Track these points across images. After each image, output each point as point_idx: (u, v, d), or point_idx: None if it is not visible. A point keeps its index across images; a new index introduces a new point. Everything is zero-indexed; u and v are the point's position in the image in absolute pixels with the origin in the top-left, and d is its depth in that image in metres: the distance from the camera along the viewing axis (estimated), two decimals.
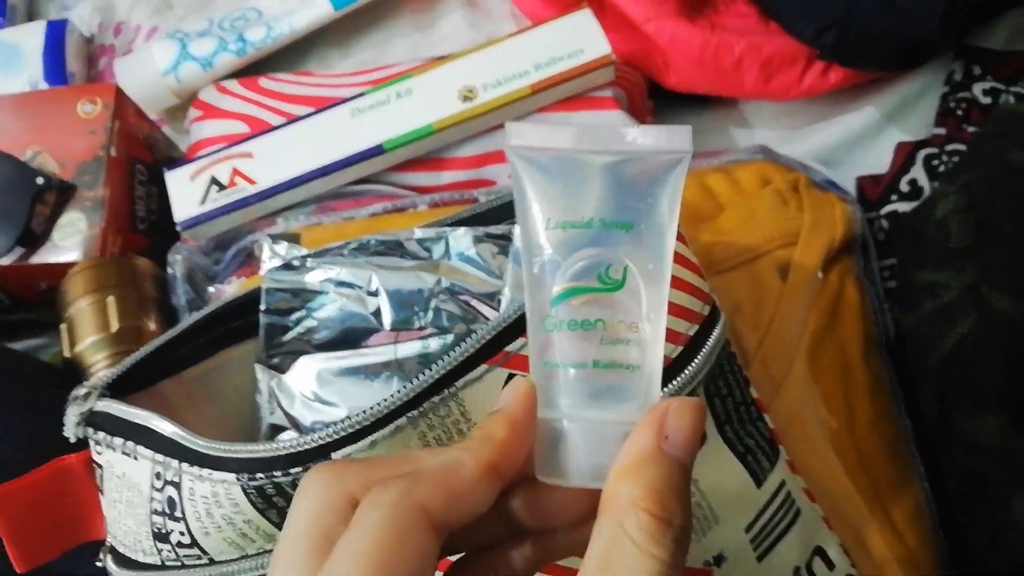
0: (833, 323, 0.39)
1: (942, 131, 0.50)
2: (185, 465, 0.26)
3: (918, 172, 0.47)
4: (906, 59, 0.46)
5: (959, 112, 0.50)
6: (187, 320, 0.33)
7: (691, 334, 0.29)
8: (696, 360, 0.28)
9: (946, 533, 0.38)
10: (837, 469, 0.37)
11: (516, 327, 0.26)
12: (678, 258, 0.29)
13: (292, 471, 0.25)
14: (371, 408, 0.25)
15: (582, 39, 0.47)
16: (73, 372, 0.41)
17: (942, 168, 0.47)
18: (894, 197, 0.47)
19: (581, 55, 0.46)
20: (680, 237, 0.30)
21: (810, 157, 0.52)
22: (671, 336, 0.28)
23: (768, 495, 0.32)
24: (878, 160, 0.50)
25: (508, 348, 0.26)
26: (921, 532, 0.37)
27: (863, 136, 0.52)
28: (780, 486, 0.32)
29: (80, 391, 0.28)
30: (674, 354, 0.28)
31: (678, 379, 0.28)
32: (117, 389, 0.30)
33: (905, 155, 0.47)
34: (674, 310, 0.28)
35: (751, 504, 0.31)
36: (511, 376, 0.26)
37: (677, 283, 0.29)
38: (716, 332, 0.29)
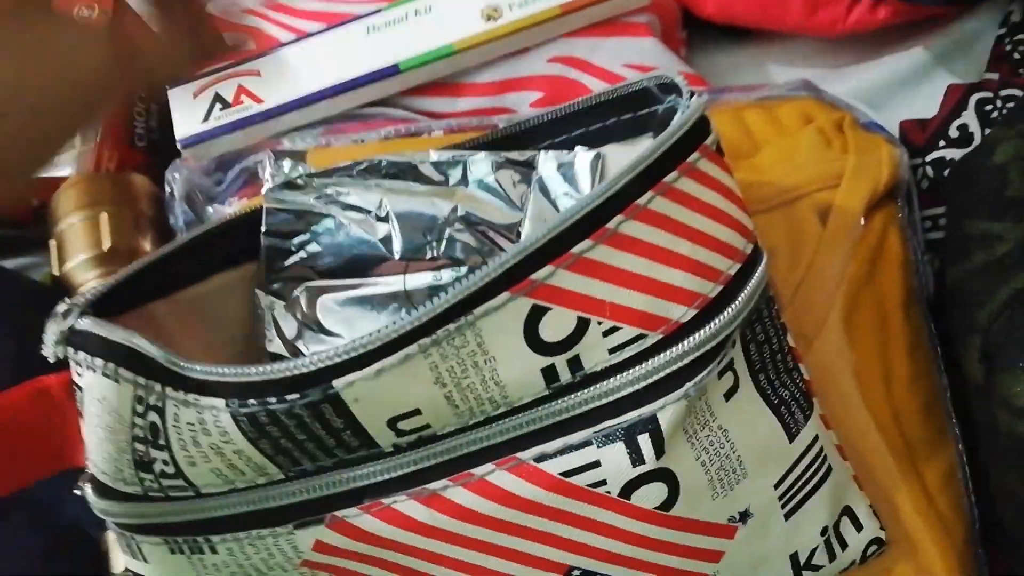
0: (873, 273, 0.37)
1: (995, 76, 0.47)
2: (169, 389, 0.24)
3: (969, 117, 0.44)
4: None
5: (1016, 56, 0.46)
6: (181, 238, 0.31)
7: (732, 273, 0.26)
8: (736, 303, 0.26)
9: (977, 499, 0.36)
10: (870, 426, 0.35)
11: (544, 253, 0.24)
12: (720, 187, 0.27)
13: (288, 397, 0.22)
14: (377, 331, 0.22)
15: None
16: (62, 291, 0.39)
17: (995, 115, 0.44)
18: (942, 143, 0.44)
19: None
20: (724, 166, 0.27)
21: (851, 98, 0.49)
22: (709, 273, 0.26)
23: (800, 450, 0.29)
24: (924, 104, 0.47)
25: (534, 276, 0.24)
26: (954, 497, 0.36)
27: (909, 78, 0.49)
28: (813, 441, 0.30)
29: (61, 307, 0.26)
30: (713, 293, 0.26)
31: (715, 321, 0.25)
32: (102, 308, 0.27)
33: (956, 99, 0.44)
34: (716, 245, 0.26)
35: (782, 458, 0.29)
36: (536, 307, 0.24)
37: (719, 215, 0.26)
38: (758, 273, 0.27)
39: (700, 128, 0.26)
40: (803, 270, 0.36)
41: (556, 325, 0.24)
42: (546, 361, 0.25)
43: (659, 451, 0.26)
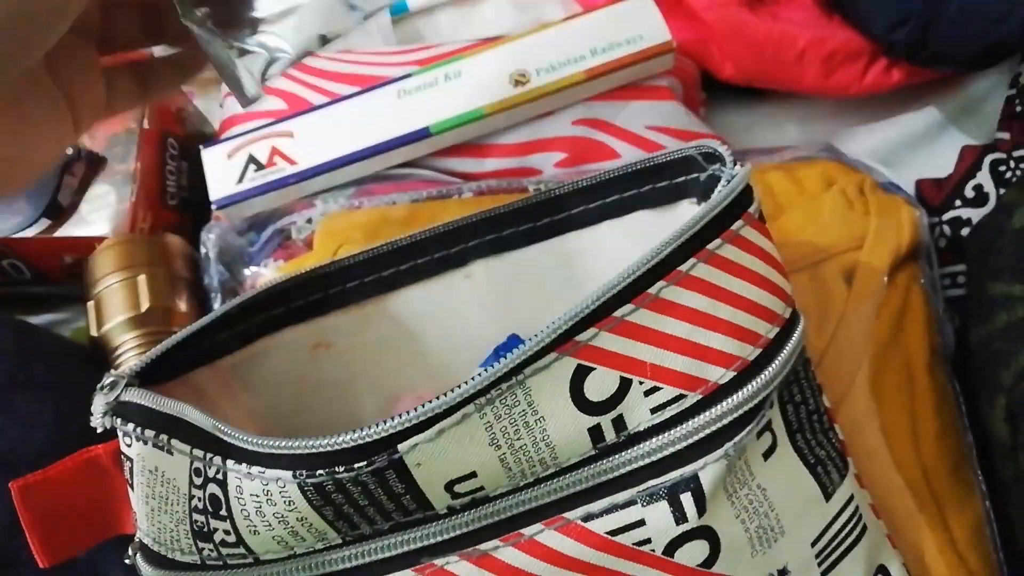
0: (898, 333, 0.38)
1: (1006, 135, 0.48)
2: (231, 462, 0.24)
3: (984, 178, 0.45)
4: (983, 61, 0.44)
5: None
6: (224, 306, 0.31)
7: (771, 336, 0.27)
8: (774, 365, 0.27)
9: (1006, 558, 0.36)
10: (899, 484, 0.35)
11: (588, 318, 0.24)
12: (761, 254, 0.27)
13: (356, 466, 0.23)
14: (441, 397, 0.23)
15: (641, 25, 0.45)
16: (100, 352, 0.40)
17: (1009, 175, 0.45)
18: (958, 203, 0.45)
19: (640, 41, 0.44)
20: (765, 232, 0.28)
21: (866, 157, 0.50)
22: (749, 336, 0.27)
23: (836, 509, 0.30)
24: (939, 163, 0.48)
25: (578, 337, 0.24)
26: (983, 554, 0.36)
27: (923, 137, 0.50)
28: (848, 500, 0.30)
29: (107, 379, 0.27)
30: (752, 356, 0.26)
31: (754, 383, 0.26)
32: (147, 377, 0.28)
33: (972, 160, 0.45)
34: (756, 310, 0.27)
35: (819, 517, 0.29)
36: (580, 367, 0.25)
37: (760, 280, 0.27)
38: (795, 336, 0.28)
39: (744, 196, 0.27)
40: (831, 331, 0.37)
41: (600, 385, 0.25)
42: (592, 421, 0.25)
43: (701, 509, 0.26)
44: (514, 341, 0.35)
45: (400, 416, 0.23)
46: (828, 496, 0.30)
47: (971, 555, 0.35)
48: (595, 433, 0.26)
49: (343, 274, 0.34)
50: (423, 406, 0.23)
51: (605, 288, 0.25)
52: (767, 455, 0.28)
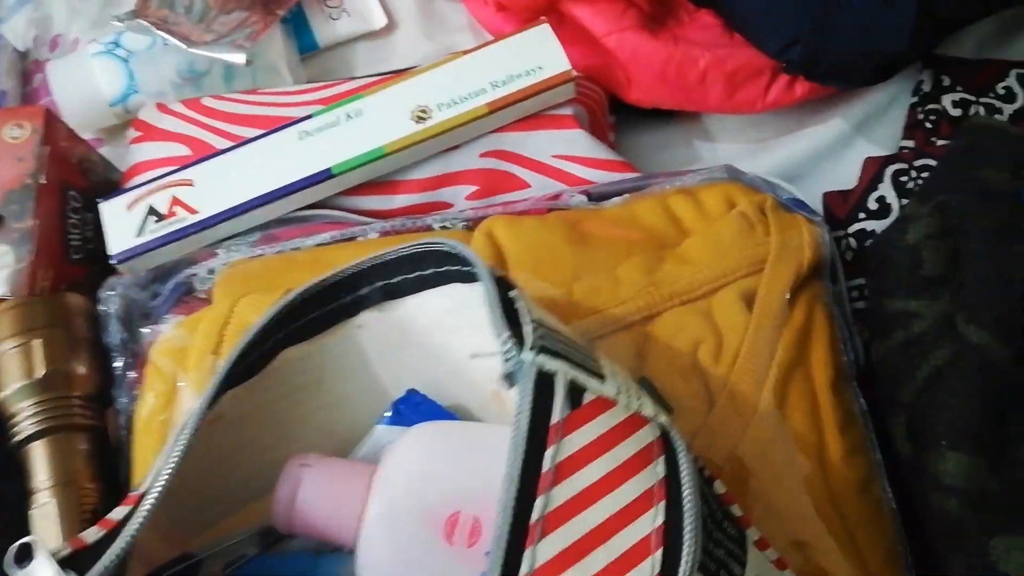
0: (802, 354, 0.38)
1: (910, 143, 0.49)
2: None
3: (886, 189, 0.45)
4: (875, 75, 0.45)
5: (928, 124, 0.48)
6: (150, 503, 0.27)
7: (659, 523, 0.24)
8: (685, 548, 0.24)
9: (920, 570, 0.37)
10: (809, 511, 0.35)
11: None
12: (596, 447, 0.25)
13: None
14: None
15: (541, 55, 0.45)
16: None
17: (911, 185, 0.45)
18: (862, 215, 0.45)
19: (540, 72, 0.44)
20: (584, 416, 0.25)
21: (777, 171, 0.51)
22: (639, 550, 0.24)
23: None
24: (846, 174, 0.48)
25: None
26: (896, 574, 0.36)
27: (831, 149, 0.51)
28: None
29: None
30: (656, 561, 0.24)
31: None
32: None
33: (873, 171, 0.46)
34: (631, 511, 0.24)
35: None
36: None
37: (616, 479, 0.24)
38: (685, 486, 0.25)
39: (539, 410, 0.24)
40: (732, 357, 0.37)
41: None
42: None
43: None
44: (412, 396, 0.35)
45: None
46: None
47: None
48: None
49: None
50: None
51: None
52: None
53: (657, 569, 0.24)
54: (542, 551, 0.23)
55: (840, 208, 0.46)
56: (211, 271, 0.41)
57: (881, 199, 0.45)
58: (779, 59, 0.45)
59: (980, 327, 0.33)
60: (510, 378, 0.26)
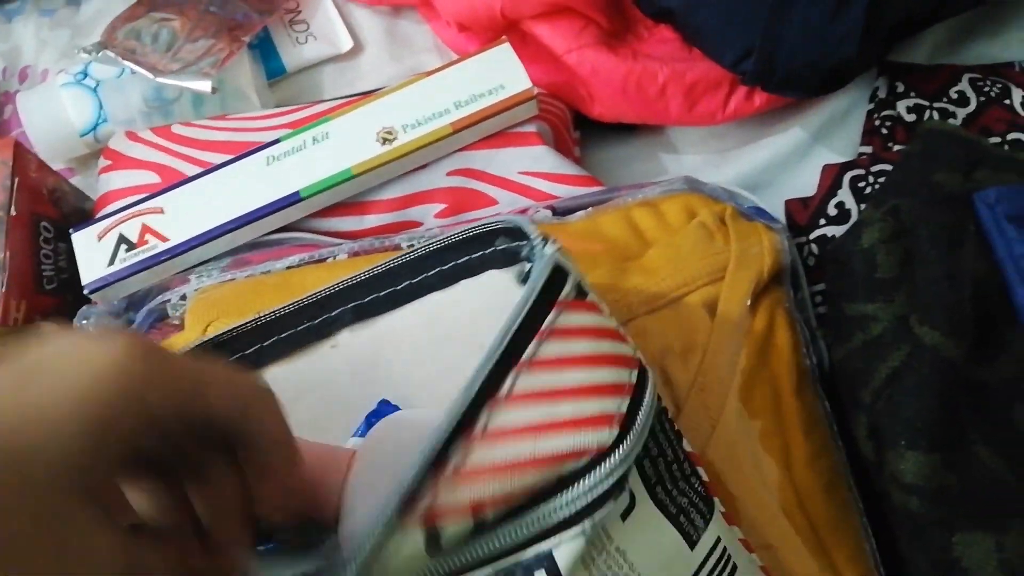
0: (764, 359, 0.38)
1: (868, 149, 0.50)
2: None
3: (845, 195, 0.46)
4: (828, 84, 0.46)
5: (884, 130, 0.49)
6: None
7: (624, 411, 0.26)
8: (629, 437, 0.26)
9: (888, 572, 0.37)
10: (775, 511, 0.36)
11: (423, 480, 0.24)
12: (589, 332, 0.27)
13: None
14: None
15: (502, 74, 0.46)
16: None
17: (869, 190, 0.46)
18: (822, 221, 0.46)
19: (502, 91, 0.45)
20: (589, 306, 0.28)
21: (740, 180, 0.52)
22: (602, 421, 0.26)
23: (703, 555, 0.30)
24: (807, 181, 0.49)
25: (418, 504, 0.24)
26: (864, 572, 0.37)
27: (791, 157, 0.52)
28: (715, 543, 0.31)
29: None
30: (609, 440, 0.26)
31: (609, 461, 0.25)
32: None
33: (831, 178, 0.47)
34: (599, 391, 0.26)
35: (684, 567, 0.30)
36: (431, 530, 0.24)
37: (594, 360, 0.27)
38: (647, 399, 0.27)
39: (555, 280, 0.27)
40: (696, 363, 0.37)
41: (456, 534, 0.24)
42: None
43: None
44: (384, 408, 0.35)
45: None
46: (693, 544, 0.30)
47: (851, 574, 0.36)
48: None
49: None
50: None
51: (433, 440, 0.24)
52: (625, 515, 0.28)
53: (607, 443, 0.26)
54: (521, 381, 0.25)
55: (801, 215, 0.47)
56: (183, 297, 0.41)
57: (840, 205, 0.46)
58: (735, 71, 0.46)
59: (932, 327, 0.34)
60: (528, 276, 0.29)
